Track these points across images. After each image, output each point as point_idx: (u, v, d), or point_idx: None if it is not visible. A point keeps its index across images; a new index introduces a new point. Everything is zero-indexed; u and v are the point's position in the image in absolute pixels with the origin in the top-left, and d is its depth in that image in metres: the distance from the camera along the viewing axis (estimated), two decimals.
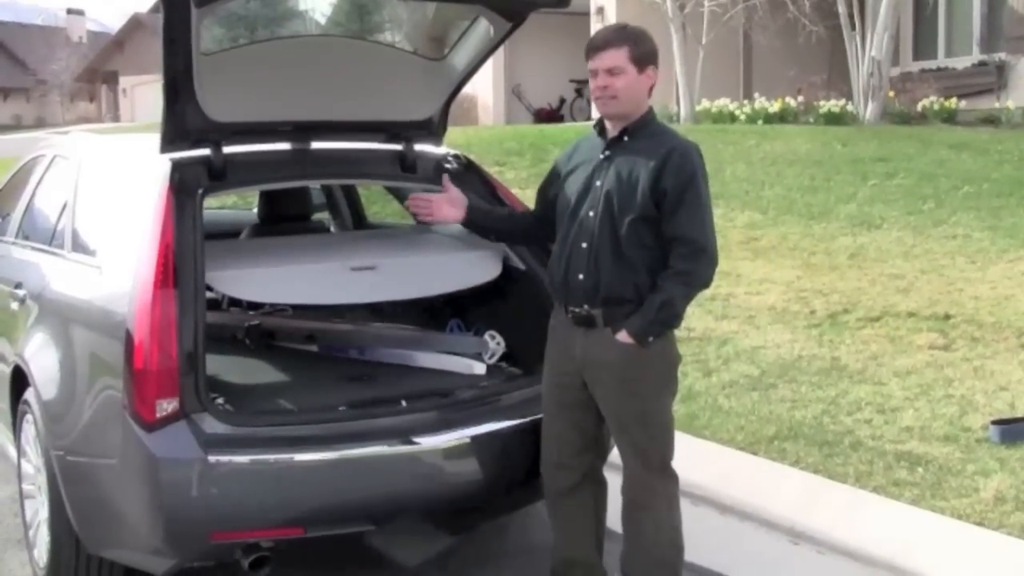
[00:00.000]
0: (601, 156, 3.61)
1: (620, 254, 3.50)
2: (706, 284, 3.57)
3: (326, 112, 4.16)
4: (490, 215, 4.12)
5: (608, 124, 3.65)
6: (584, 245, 3.55)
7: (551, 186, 3.82)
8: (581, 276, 3.55)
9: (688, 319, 3.59)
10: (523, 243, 4.22)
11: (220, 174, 3.86)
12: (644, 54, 3.55)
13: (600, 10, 18.74)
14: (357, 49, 4.58)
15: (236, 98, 3.93)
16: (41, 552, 4.00)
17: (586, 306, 3.55)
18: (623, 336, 3.48)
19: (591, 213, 3.55)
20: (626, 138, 3.59)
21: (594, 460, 3.76)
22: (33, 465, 4.09)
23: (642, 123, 3.60)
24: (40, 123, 46.04)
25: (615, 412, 3.58)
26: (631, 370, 3.51)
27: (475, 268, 4.31)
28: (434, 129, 4.45)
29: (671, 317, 3.51)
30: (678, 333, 3.65)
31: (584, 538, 3.77)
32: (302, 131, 4.16)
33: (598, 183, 3.57)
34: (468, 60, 4.27)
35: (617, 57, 3.52)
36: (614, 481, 3.73)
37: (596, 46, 3.57)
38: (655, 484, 3.60)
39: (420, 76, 4.34)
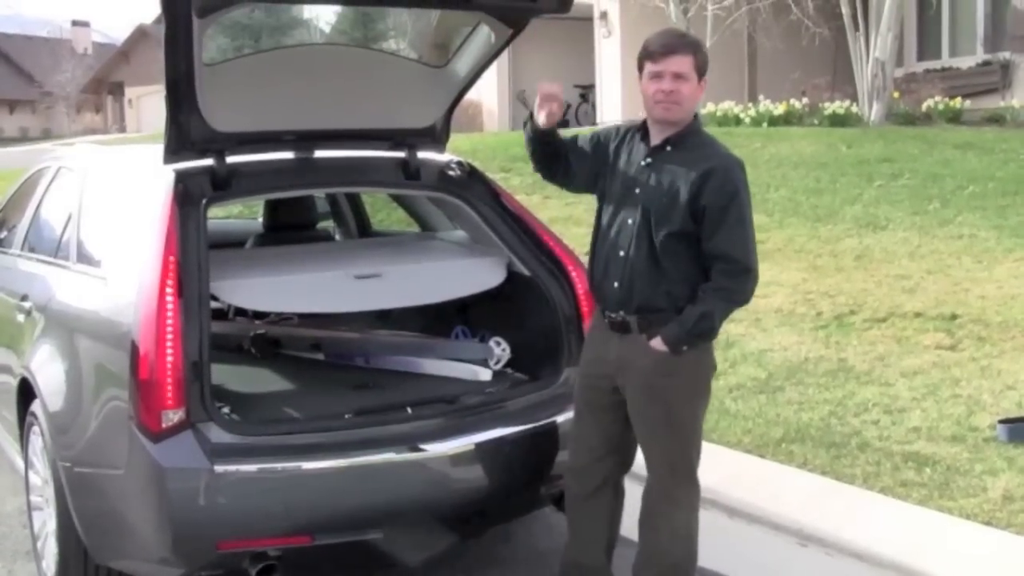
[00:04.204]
0: (642, 163, 3.57)
1: (657, 264, 3.48)
2: (746, 301, 3.57)
3: (329, 121, 4.17)
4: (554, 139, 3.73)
5: (652, 129, 3.58)
6: (621, 254, 3.54)
7: (592, 156, 3.68)
8: (616, 284, 3.55)
9: None
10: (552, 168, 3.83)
11: (224, 184, 3.88)
12: (703, 65, 3.52)
13: (603, 15, 18.72)
14: (359, 57, 4.59)
15: (239, 108, 3.94)
16: (50, 563, 4.00)
17: (621, 312, 3.56)
18: (657, 343, 3.49)
19: (629, 221, 3.53)
20: (668, 147, 3.54)
21: (616, 467, 3.74)
22: (40, 477, 4.10)
23: (687, 133, 3.54)
24: (46, 135, 46.16)
25: (645, 417, 3.57)
26: (663, 376, 3.51)
27: (480, 274, 4.31)
28: (437, 136, 4.46)
29: (708, 330, 3.51)
30: None
31: (595, 543, 3.76)
32: (305, 140, 4.17)
33: (637, 191, 3.54)
34: (470, 67, 4.28)
35: (684, 63, 3.47)
36: (633, 490, 3.72)
37: (664, 50, 3.48)
38: (678, 491, 3.61)
39: (422, 83, 4.34)
